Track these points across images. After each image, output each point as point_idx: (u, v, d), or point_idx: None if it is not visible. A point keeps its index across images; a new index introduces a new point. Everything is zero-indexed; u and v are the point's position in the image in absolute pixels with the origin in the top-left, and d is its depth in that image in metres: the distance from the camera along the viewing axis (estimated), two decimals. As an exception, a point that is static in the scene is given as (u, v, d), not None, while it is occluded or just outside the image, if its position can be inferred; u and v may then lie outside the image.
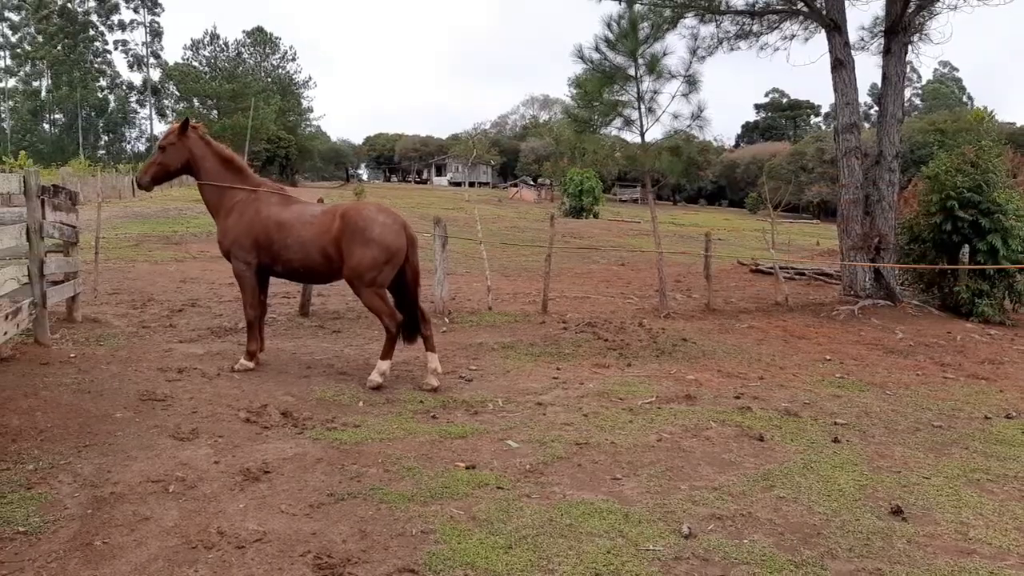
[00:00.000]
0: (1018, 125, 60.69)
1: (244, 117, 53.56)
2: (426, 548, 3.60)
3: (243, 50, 70.40)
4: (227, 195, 7.14)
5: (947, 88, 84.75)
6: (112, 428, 5.11)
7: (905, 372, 8.41)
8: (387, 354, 6.72)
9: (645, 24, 12.41)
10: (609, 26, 12.41)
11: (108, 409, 5.50)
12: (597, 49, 12.53)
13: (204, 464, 4.56)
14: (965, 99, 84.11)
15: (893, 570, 3.60)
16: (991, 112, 51.76)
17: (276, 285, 12.64)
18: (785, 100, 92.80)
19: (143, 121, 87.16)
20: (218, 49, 66.97)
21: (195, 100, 62.72)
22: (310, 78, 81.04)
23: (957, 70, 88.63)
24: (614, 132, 14.24)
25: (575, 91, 15.26)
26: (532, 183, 72.88)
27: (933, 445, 5.69)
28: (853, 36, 14.19)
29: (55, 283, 8.12)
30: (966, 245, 12.28)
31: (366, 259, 6.58)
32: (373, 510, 4.01)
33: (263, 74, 70.66)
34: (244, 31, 74.02)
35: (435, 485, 4.37)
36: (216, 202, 7.20)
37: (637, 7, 12.82)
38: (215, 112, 61.27)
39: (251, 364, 7.01)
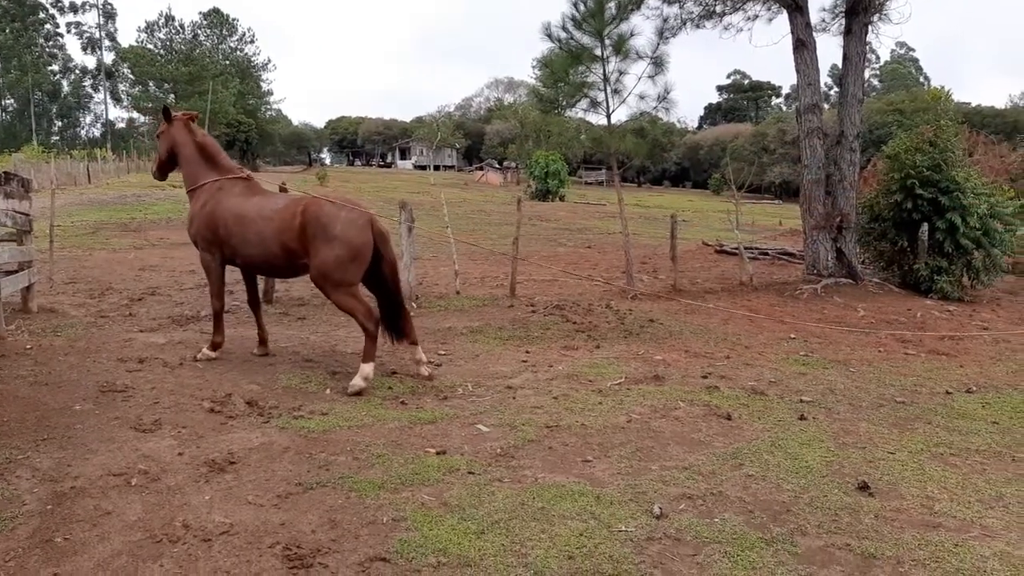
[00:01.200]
0: (974, 104, 62.06)
1: (202, 101, 52.36)
2: (397, 536, 3.56)
3: (200, 32, 68.76)
4: (197, 182, 7.03)
5: (905, 69, 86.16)
6: (71, 421, 4.98)
7: (868, 349, 8.55)
8: (369, 356, 6.19)
9: (612, 3, 12.36)
10: (576, 5, 12.33)
11: (67, 401, 5.36)
12: (564, 28, 12.46)
13: (168, 456, 4.46)
14: (922, 79, 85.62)
15: (861, 545, 3.65)
16: (948, 92, 52.80)
17: (236, 272, 12.43)
18: (747, 82, 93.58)
19: (98, 106, 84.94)
20: (174, 31, 65.32)
21: (151, 83, 61.20)
22: (269, 60, 79.53)
23: (914, 50, 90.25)
24: (579, 114, 14.21)
25: (541, 71, 15.18)
26: (498, 166, 72.61)
27: (897, 420, 5.79)
28: (815, 17, 14.30)
29: (8, 273, 7.87)
30: (926, 223, 12.51)
31: (330, 259, 6.13)
32: (343, 499, 3.95)
33: (221, 56, 69.06)
34: (200, 12, 72.32)
35: (405, 472, 4.33)
36: (189, 190, 7.14)
37: (604, -14, 12.75)
38: (172, 96, 59.86)
39: (214, 354, 6.86)
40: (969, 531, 3.86)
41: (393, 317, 6.61)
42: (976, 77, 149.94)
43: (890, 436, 5.38)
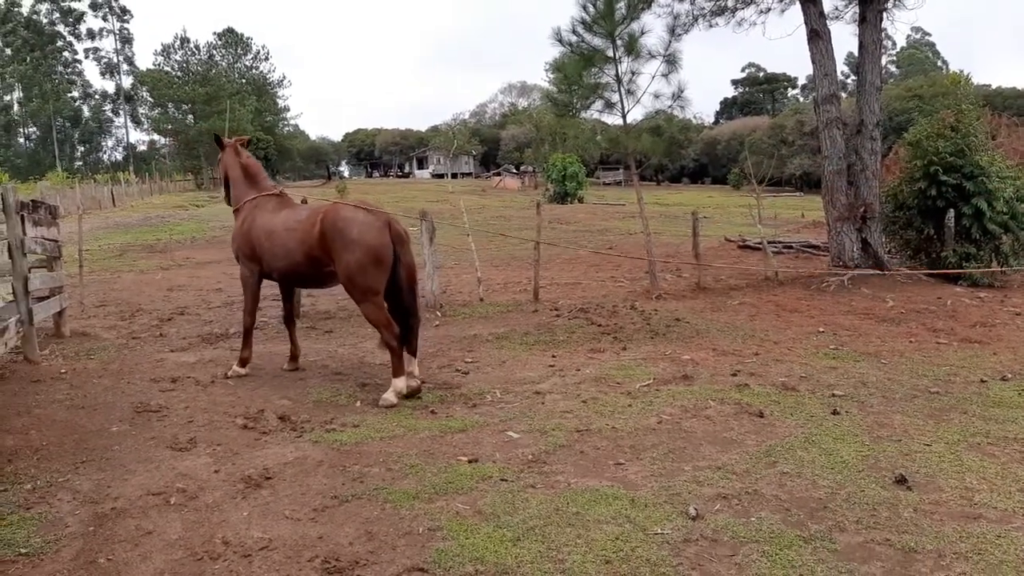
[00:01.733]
0: (993, 87, 61.10)
1: (220, 120, 53.03)
2: (434, 545, 3.57)
3: (215, 52, 69.68)
4: (239, 202, 7.35)
5: (921, 54, 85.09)
6: (108, 442, 5.06)
7: (898, 340, 8.44)
8: (398, 371, 6.17)
9: (621, 4, 12.33)
10: (585, 7, 12.32)
11: (103, 423, 5.44)
12: (574, 31, 12.45)
13: (204, 473, 4.52)
14: (940, 64, 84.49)
15: (902, 539, 3.61)
16: (967, 75, 52.07)
17: (267, 287, 12.56)
18: (762, 74, 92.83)
19: (119, 129, 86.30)
20: (189, 53, 66.17)
21: (170, 105, 62.04)
22: (284, 77, 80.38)
23: (930, 35, 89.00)
24: (595, 115, 14.19)
25: (554, 75, 15.19)
26: (515, 171, 72.66)
27: (932, 411, 5.71)
28: (828, 6, 14.16)
29: (41, 299, 8.01)
30: (951, 210, 12.33)
31: (352, 264, 6.13)
32: (378, 510, 3.98)
33: (236, 75, 69.94)
34: (215, 33, 73.46)
35: (439, 481, 4.35)
36: (234, 209, 7.50)
37: (612, -14, 12.73)
38: (191, 116, 60.69)
39: (243, 371, 6.96)
40: (1011, 522, 3.80)
41: (401, 324, 6.37)
42: (994, 58, 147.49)
43: (925, 427, 5.31)
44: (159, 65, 65.26)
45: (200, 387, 6.52)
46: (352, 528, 3.78)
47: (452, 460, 4.72)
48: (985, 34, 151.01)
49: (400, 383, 6.17)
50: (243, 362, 7.03)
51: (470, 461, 4.69)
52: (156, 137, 71.25)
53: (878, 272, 12.63)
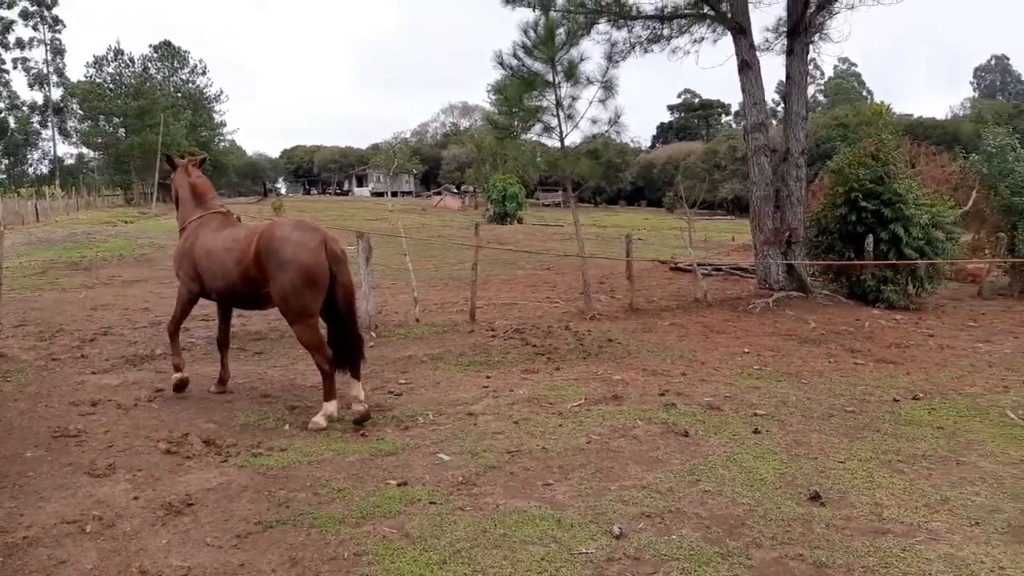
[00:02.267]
0: (915, 116, 64.15)
1: (154, 134, 51.59)
2: (359, 570, 3.57)
3: (150, 65, 67.85)
4: (185, 221, 7.30)
5: (848, 83, 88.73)
6: (23, 468, 4.88)
7: (818, 360, 8.77)
8: (329, 394, 6.06)
9: (561, 30, 12.57)
10: (526, 32, 12.53)
11: (18, 448, 5.25)
12: (515, 55, 12.64)
13: (123, 500, 4.40)
14: (865, 93, 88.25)
15: (814, 554, 3.76)
16: (888, 106, 54.55)
17: (196, 307, 12.26)
18: (697, 100, 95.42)
19: (46, 142, 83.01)
20: (123, 65, 64.28)
21: (101, 118, 60.11)
22: (222, 92, 78.24)
23: (856, 65, 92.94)
24: (534, 138, 14.40)
25: (495, 97, 15.38)
26: (455, 190, 72.82)
27: (847, 430, 5.96)
28: (758, 38, 14.73)
29: (-47, 319, 7.67)
30: (871, 235, 12.89)
31: (286, 284, 5.96)
32: (303, 536, 3.95)
33: (172, 89, 68.22)
34: (151, 45, 71.54)
35: (366, 505, 4.33)
36: (180, 228, 7.45)
37: (552, 13, 12.98)
38: (122, 130, 58.89)
39: (179, 375, 7.01)
40: (916, 535, 4.00)
41: (341, 347, 6.20)
42: (914, 90, 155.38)
43: (840, 445, 5.54)
44: (91, 77, 63.24)
45: (122, 410, 6.34)
46: (276, 554, 3.74)
47: (381, 483, 4.71)
48: (905, 67, 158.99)
49: (331, 407, 6.06)
50: (177, 367, 7.03)
51: (399, 484, 4.69)
52: (85, 150, 68.88)
53: (801, 294, 13.10)
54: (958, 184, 17.44)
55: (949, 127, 59.73)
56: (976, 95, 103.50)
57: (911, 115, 64.50)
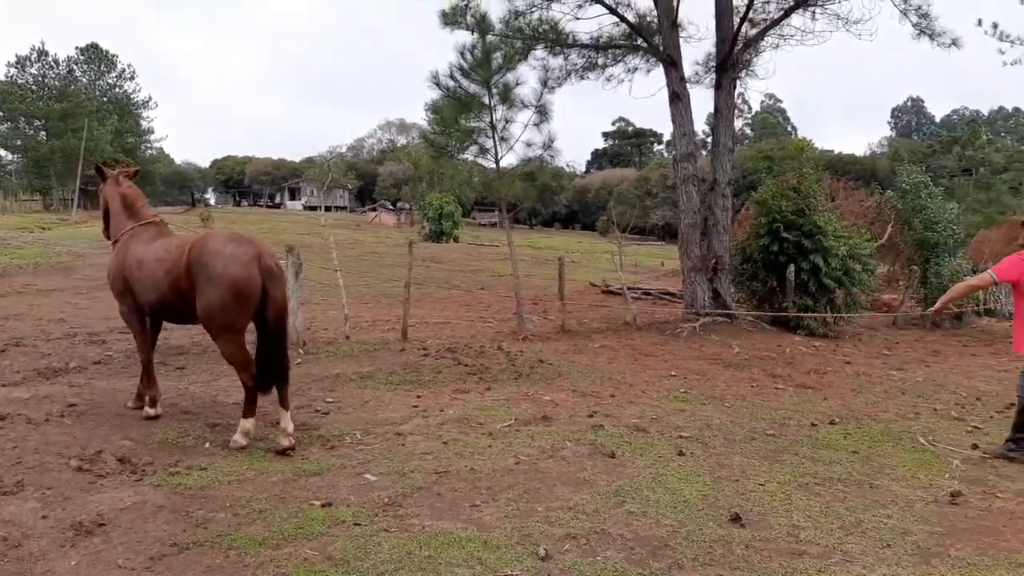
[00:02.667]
0: (835, 152, 67.12)
1: (76, 138, 49.58)
2: (279, 593, 3.47)
3: (76, 68, 65.36)
4: (117, 233, 6.86)
5: (773, 118, 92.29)
6: (-83, 488, 4.59)
7: (741, 384, 9.02)
8: (249, 412, 5.85)
9: (498, 54, 12.72)
10: (463, 55, 12.62)
11: (-88, 466, 4.93)
12: (452, 76, 12.70)
13: (30, 520, 4.18)
14: (789, 128, 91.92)
15: (734, 575, 3.85)
16: (810, 141, 56.95)
17: (114, 319, 11.81)
18: (631, 129, 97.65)
19: (-40, 144, 78.91)
20: (47, 66, 61.77)
21: (21, 120, 57.47)
22: (150, 98, 75.96)
23: (781, 102, 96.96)
24: (471, 158, 14.47)
25: (432, 116, 15.39)
26: (391, 207, 72.37)
27: (767, 453, 6.13)
28: (688, 71, 15.20)
29: None
30: (792, 264, 13.38)
31: (212, 300, 5.70)
32: (221, 558, 3.82)
33: (98, 93, 65.82)
34: (77, 48, 68.85)
35: (288, 526, 4.23)
36: (112, 241, 7.00)
37: (490, 38, 13.12)
38: (43, 133, 56.44)
39: (153, 411, 6.49)
40: (831, 557, 4.13)
41: (268, 368, 5.89)
42: (835, 127, 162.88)
43: (761, 468, 5.70)
44: (12, 77, 60.47)
45: (32, 425, 6.03)
46: (191, 577, 3.61)
47: (304, 504, 4.60)
48: (828, 105, 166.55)
49: (248, 424, 5.85)
50: (153, 401, 6.55)
51: (323, 505, 4.59)
52: (3, 153, 65.67)
53: (727, 320, 13.47)
54: (875, 218, 18.28)
55: (867, 164, 62.73)
56: (893, 134, 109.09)
57: (832, 151, 67.58)
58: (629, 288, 15.59)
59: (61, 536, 4.00)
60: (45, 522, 4.17)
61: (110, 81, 68.18)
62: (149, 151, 74.52)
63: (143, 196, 7.22)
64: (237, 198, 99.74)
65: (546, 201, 67.54)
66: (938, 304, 6.89)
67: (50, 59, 60.50)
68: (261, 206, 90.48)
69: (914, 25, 14.57)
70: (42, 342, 10.08)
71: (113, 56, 67.76)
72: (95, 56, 66.54)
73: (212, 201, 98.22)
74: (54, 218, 40.04)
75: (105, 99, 65.33)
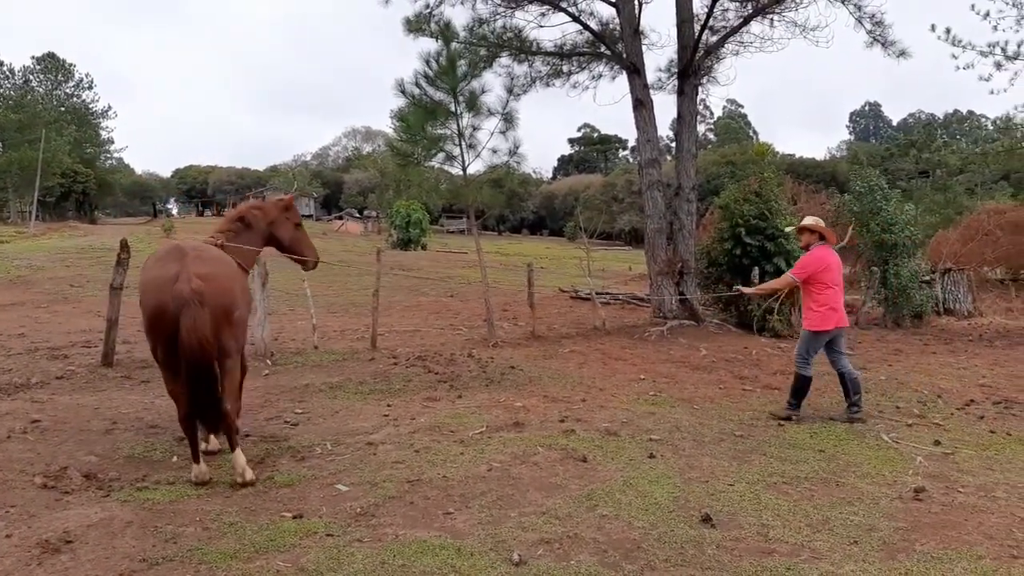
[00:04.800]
0: (796, 156, 68.28)
1: (34, 150, 48.60)
2: (252, 607, 3.44)
3: (32, 77, 64.03)
4: None
5: (736, 124, 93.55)
6: None
7: (710, 387, 9.13)
8: (194, 457, 5.21)
9: (463, 62, 12.75)
10: (428, 62, 12.62)
11: None
12: (417, 84, 12.69)
13: (-8, 540, 4.09)
14: (752, 133, 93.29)
15: (705, 575, 3.90)
16: (771, 146, 57.84)
17: (76, 333, 11.60)
18: (596, 135, 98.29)
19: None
20: (2, 76, 60.46)
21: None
22: (110, 107, 74.31)
23: (743, 107, 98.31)
24: (437, 165, 14.47)
25: (398, 124, 15.37)
26: (358, 215, 71.93)
27: (736, 453, 6.22)
28: (651, 77, 15.40)
29: None
30: (756, 267, 13.58)
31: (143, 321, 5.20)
32: (191, 572, 3.78)
33: (55, 103, 64.55)
34: (33, 57, 67.29)
35: (260, 539, 4.19)
36: None
37: (455, 45, 13.15)
38: None
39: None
40: (800, 555, 4.20)
41: (203, 408, 5.07)
42: (796, 131, 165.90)
43: (730, 469, 5.77)
44: (-34, 88, 59.16)
45: (-9, 444, 5.90)
46: (162, 593, 3.56)
47: (275, 516, 4.56)
48: (788, 110, 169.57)
49: (195, 470, 5.16)
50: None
51: (295, 517, 4.56)
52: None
53: (693, 323, 13.62)
54: (835, 221, 18.61)
55: (828, 167, 63.87)
56: (852, 138, 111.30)
57: (793, 155, 68.72)
58: (598, 293, 15.71)
59: (27, 555, 3.92)
60: (10, 540, 4.08)
61: (68, 91, 66.95)
62: (109, 161, 73.34)
63: (230, 215, 6.84)
64: (200, 208, 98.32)
65: (514, 207, 67.73)
66: (752, 289, 8.77)
67: (5, 69, 59.29)
68: (224, 216, 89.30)
69: (868, 32, 14.93)
70: (2, 357, 9.85)
71: (70, 65, 66.56)
72: (52, 65, 65.27)
73: (175, 211, 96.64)
74: (12, 231, 39.11)
75: (63, 109, 64.15)
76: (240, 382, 5.81)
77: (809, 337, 7.57)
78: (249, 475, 5.14)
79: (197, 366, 4.91)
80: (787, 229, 9.28)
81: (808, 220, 7.89)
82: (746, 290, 8.80)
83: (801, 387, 7.59)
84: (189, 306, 4.90)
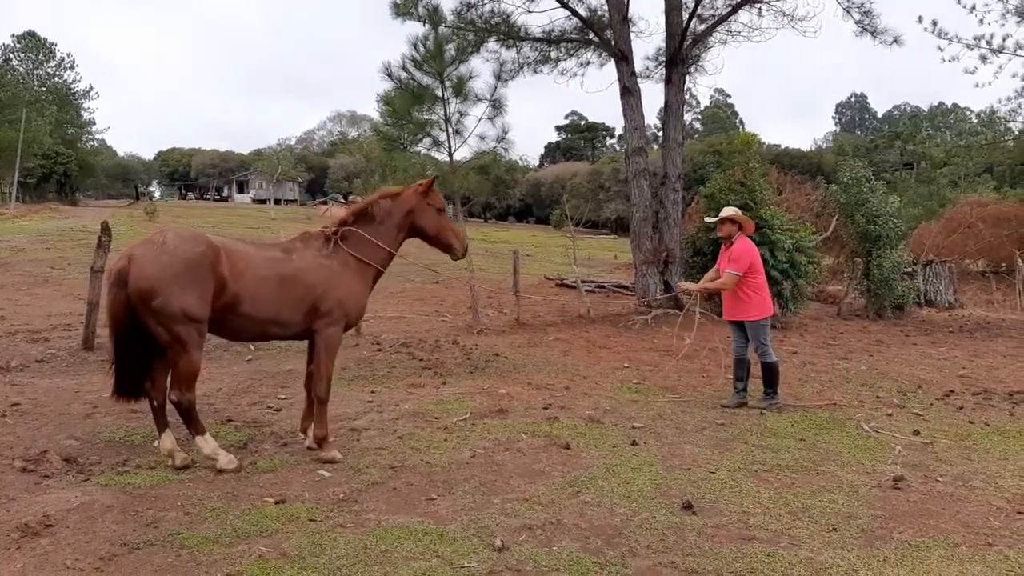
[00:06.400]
0: (782, 147, 68.51)
1: (14, 130, 47.89)
2: (233, 591, 3.43)
3: (12, 56, 62.87)
4: None
5: (723, 113, 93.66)
6: None
7: (692, 375, 9.19)
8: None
9: (451, 46, 12.66)
10: (415, 46, 12.52)
11: None
12: (405, 68, 12.60)
13: (-30, 524, 4.05)
14: (738, 123, 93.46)
15: (686, 562, 3.92)
16: (757, 136, 57.96)
17: (57, 316, 11.48)
18: (583, 122, 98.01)
19: None
20: (-19, 55, 59.49)
21: (-47, 110, 55.19)
22: (92, 88, 73.05)
23: (730, 97, 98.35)
24: (424, 151, 14.40)
25: (384, 108, 15.27)
26: (343, 200, 71.52)
27: (718, 442, 6.26)
28: (639, 66, 15.37)
29: None
30: (741, 257, 13.60)
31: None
32: (172, 557, 3.76)
33: (36, 83, 63.46)
34: (13, 35, 66.08)
35: (241, 524, 4.18)
36: None
37: (442, 29, 13.05)
38: (-23, 123, 54.37)
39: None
40: (779, 542, 4.24)
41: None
42: (783, 121, 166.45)
43: (712, 456, 5.82)
44: (-56, 66, 58.00)
45: (-30, 427, 5.84)
46: (142, 577, 3.54)
47: (257, 501, 4.55)
48: (775, 100, 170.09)
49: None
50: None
51: (277, 502, 4.54)
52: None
53: (678, 312, 13.66)
54: (820, 211, 18.71)
55: (813, 158, 64.18)
56: (838, 129, 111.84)
57: (779, 145, 68.89)
58: (583, 281, 15.72)
59: (6, 538, 3.88)
60: (-12, 525, 4.04)
61: (49, 71, 65.80)
62: (91, 142, 72.36)
63: (353, 207, 6.44)
64: (183, 191, 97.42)
65: (500, 195, 67.49)
66: (698, 286, 8.40)
67: (-15, 47, 58.16)
68: (208, 199, 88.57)
69: (857, 22, 14.99)
70: (-19, 340, 9.74)
71: (52, 45, 65.40)
72: (32, 45, 64.12)
73: (157, 194, 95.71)
74: (-9, 212, 38.61)
75: (44, 89, 63.11)
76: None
77: (762, 324, 7.66)
78: (165, 449, 5.18)
79: (112, 334, 5.09)
80: (707, 220, 9.24)
81: (728, 211, 7.97)
82: (691, 287, 8.59)
83: (775, 372, 7.70)
84: (114, 284, 4.96)
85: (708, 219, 9.14)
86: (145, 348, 5.09)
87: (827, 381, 9.15)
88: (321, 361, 5.59)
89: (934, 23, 18.51)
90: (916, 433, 6.72)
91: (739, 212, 7.94)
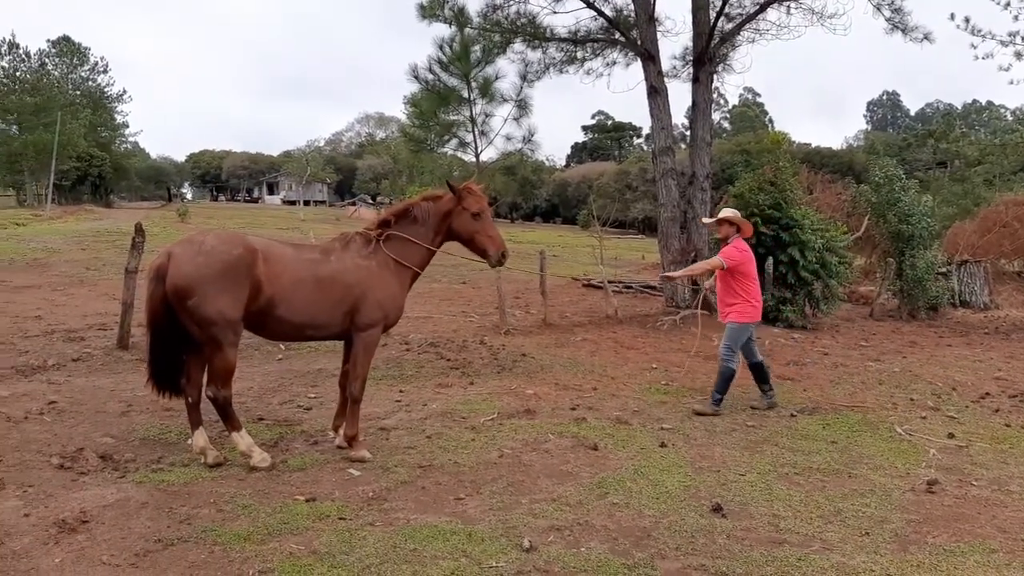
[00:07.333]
0: (812, 146, 67.65)
1: (49, 133, 48.87)
2: (265, 588, 3.48)
3: (47, 61, 64.09)
4: None
5: (752, 112, 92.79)
6: None
7: (722, 377, 9.08)
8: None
9: (477, 47, 12.74)
10: (441, 48, 12.62)
11: None
12: (431, 70, 12.70)
13: (12, 518, 4.15)
14: (768, 121, 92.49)
15: (715, 564, 3.90)
16: (787, 135, 57.27)
17: (92, 316, 11.69)
18: (610, 122, 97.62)
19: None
20: (18, 60, 60.58)
21: (-8, 115, 56.45)
22: (125, 91, 74.16)
23: (759, 95, 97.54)
24: (450, 152, 14.49)
25: (411, 110, 15.35)
26: (371, 201, 72.02)
27: (748, 444, 6.21)
28: (666, 65, 15.27)
29: None
30: (771, 257, 13.49)
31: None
32: (206, 553, 3.82)
33: (71, 87, 64.68)
34: (49, 40, 67.40)
35: (273, 521, 4.23)
36: None
37: (468, 31, 13.11)
38: (15, 127, 55.45)
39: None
40: (811, 545, 4.20)
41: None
42: (813, 120, 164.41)
43: (741, 459, 5.77)
44: (-17, 72, 59.31)
45: (11, 423, 5.97)
46: (176, 573, 3.60)
47: (288, 499, 4.60)
48: (805, 98, 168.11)
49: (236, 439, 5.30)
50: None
51: (307, 500, 4.59)
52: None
53: (707, 313, 13.55)
54: (851, 211, 18.46)
55: (844, 157, 63.21)
56: (869, 127, 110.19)
57: (809, 144, 67.99)
58: (610, 282, 15.66)
59: (44, 534, 3.97)
60: (28, 520, 4.14)
61: (83, 74, 67.09)
62: (124, 145, 73.61)
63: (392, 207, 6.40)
64: (214, 193, 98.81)
65: (527, 195, 67.53)
66: (679, 273, 8.58)
67: (21, 52, 59.32)
68: (239, 201, 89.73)
69: (887, 19, 14.76)
70: (20, 339, 9.94)
71: (86, 49, 66.68)
72: (67, 49, 65.39)
73: (189, 196, 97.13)
74: (28, 214, 39.45)
75: (78, 93, 64.34)
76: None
77: (739, 329, 7.42)
78: (198, 447, 5.25)
79: (151, 327, 5.26)
80: (705, 221, 9.10)
81: (726, 212, 7.85)
82: (672, 274, 8.62)
83: (729, 379, 7.37)
84: (151, 281, 5.13)
85: (705, 220, 9.05)
86: (182, 343, 5.23)
87: (859, 383, 9.02)
88: (358, 361, 5.63)
89: (966, 20, 18.16)
90: (951, 436, 6.61)
91: (738, 214, 7.81)
